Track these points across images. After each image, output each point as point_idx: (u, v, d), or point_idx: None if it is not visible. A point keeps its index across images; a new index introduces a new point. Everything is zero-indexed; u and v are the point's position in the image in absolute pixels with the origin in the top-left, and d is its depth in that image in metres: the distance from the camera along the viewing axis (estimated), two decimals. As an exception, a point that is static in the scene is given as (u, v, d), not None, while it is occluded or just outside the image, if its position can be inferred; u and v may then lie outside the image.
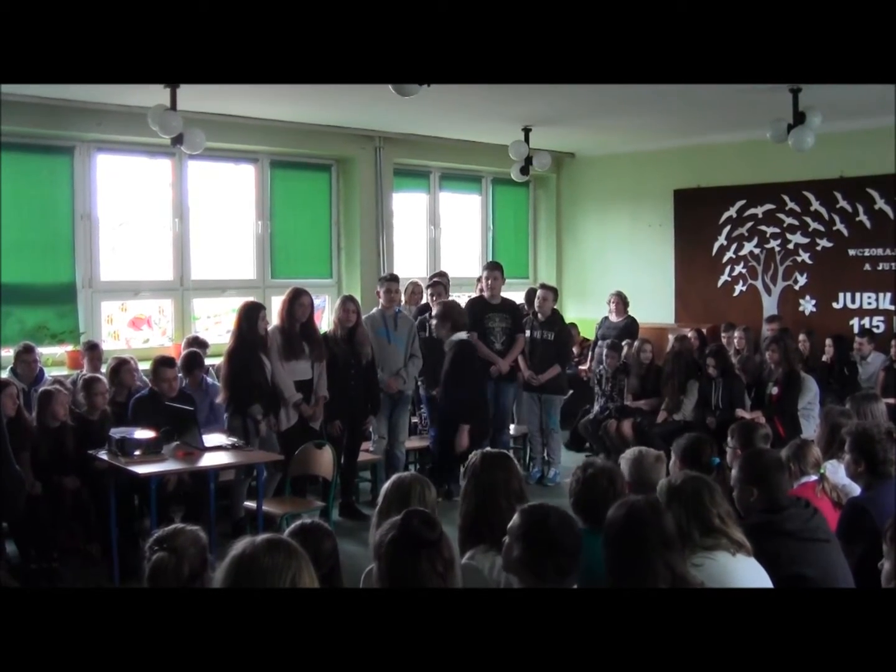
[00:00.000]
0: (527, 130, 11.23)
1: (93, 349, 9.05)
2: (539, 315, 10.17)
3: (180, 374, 8.38)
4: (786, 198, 12.04)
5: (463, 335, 8.65)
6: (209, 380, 8.84)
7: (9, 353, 8.98)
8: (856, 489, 5.18)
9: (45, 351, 9.39)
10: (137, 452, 6.94)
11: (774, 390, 9.46)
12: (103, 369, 8.59)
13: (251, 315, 8.17)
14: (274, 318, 8.92)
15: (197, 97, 8.80)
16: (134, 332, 10.69)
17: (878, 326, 11.28)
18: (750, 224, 12.42)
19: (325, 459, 7.63)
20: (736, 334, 11.14)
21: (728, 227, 12.62)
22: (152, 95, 8.44)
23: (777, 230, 12.18)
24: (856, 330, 11.29)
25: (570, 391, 10.76)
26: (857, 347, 10.63)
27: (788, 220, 12.06)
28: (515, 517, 3.46)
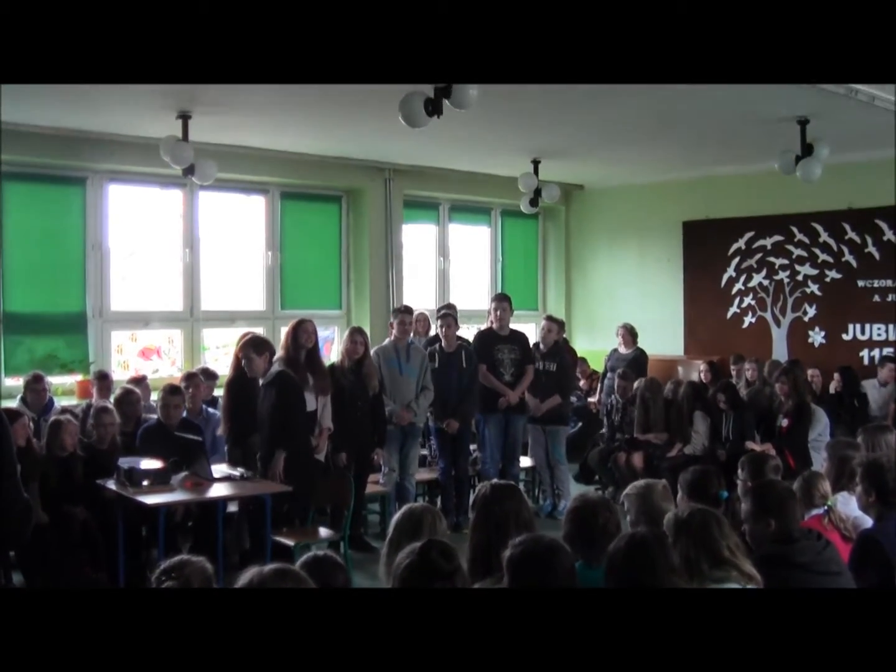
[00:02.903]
0: (536, 163, 11.25)
1: (102, 379, 9.07)
2: (542, 346, 10.16)
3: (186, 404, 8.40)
4: (794, 229, 12.05)
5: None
6: (211, 410, 8.83)
7: (18, 381, 9.00)
8: (867, 521, 5.14)
9: (55, 380, 9.41)
10: (146, 482, 6.94)
11: (784, 422, 9.43)
12: (112, 399, 8.58)
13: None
14: (279, 349, 8.89)
15: (208, 128, 8.86)
16: (144, 362, 10.71)
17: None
18: (759, 255, 12.42)
19: (341, 490, 7.63)
20: (747, 366, 11.12)
21: (737, 259, 12.63)
22: (164, 126, 8.50)
23: (786, 262, 12.18)
24: (865, 361, 11.26)
25: (579, 423, 10.73)
26: (881, 376, 10.58)
27: (797, 252, 12.07)
28: (508, 549, 3.46)
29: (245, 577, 2.90)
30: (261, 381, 7.63)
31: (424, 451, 9.82)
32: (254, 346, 7.64)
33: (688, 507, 4.21)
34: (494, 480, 4.64)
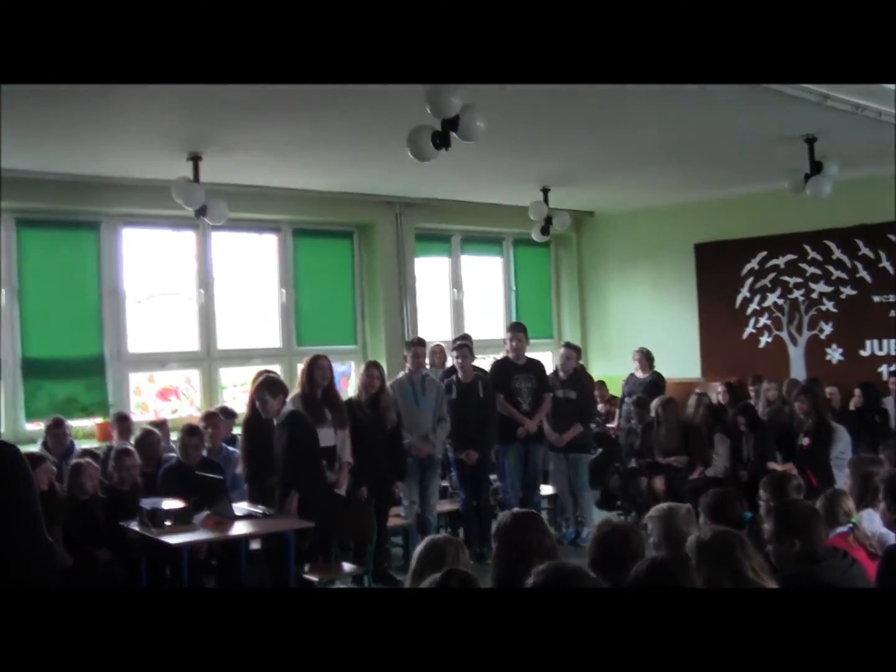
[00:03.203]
0: (545, 191, 11.27)
1: (122, 421, 9.11)
2: (561, 373, 10.16)
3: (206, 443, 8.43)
4: (807, 247, 12.05)
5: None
6: (231, 448, 8.85)
7: (39, 426, 9.05)
8: (892, 538, 5.11)
9: (75, 423, 9.45)
10: (168, 523, 6.95)
11: (805, 441, 9.38)
12: (132, 440, 8.61)
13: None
14: (295, 386, 8.92)
15: (218, 169, 8.92)
16: (162, 402, 10.75)
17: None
18: (772, 275, 12.42)
19: (363, 524, 7.63)
20: (767, 386, 11.09)
21: (751, 279, 12.63)
22: (175, 168, 8.56)
23: (800, 280, 12.17)
24: (884, 377, 11.23)
25: (599, 449, 10.71)
26: None
27: (811, 270, 12.06)
28: (531, 578, 3.44)
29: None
30: (275, 422, 7.64)
31: (445, 483, 9.80)
32: (268, 388, 7.63)
33: (710, 530, 4.20)
34: (515, 509, 4.65)
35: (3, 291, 9.45)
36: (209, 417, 8.81)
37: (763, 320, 12.55)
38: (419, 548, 4.27)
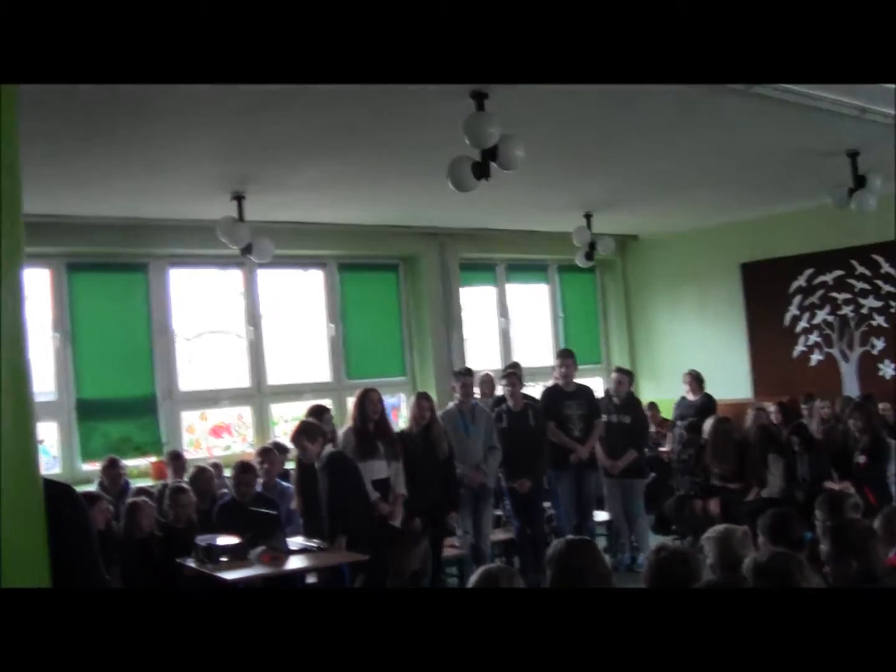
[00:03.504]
0: (588, 216, 11.25)
1: (176, 459, 9.21)
2: (615, 398, 10.13)
3: (259, 479, 8.47)
4: (855, 262, 11.93)
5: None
6: (285, 484, 8.89)
7: (95, 466, 9.16)
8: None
9: (130, 463, 9.55)
10: (223, 558, 7.00)
11: (861, 459, 9.26)
12: (186, 478, 8.69)
13: (316, 418, 8.26)
14: (348, 419, 8.98)
15: (263, 207, 9.02)
16: (215, 439, 10.84)
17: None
18: (821, 292, 12.31)
19: (418, 555, 7.63)
20: (817, 404, 10.98)
21: (799, 297, 12.52)
22: (220, 208, 8.67)
23: (849, 296, 12.05)
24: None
25: (653, 474, 10.64)
26: None
27: (860, 285, 11.94)
28: None
29: None
30: (316, 465, 7.67)
31: (498, 512, 9.77)
32: (305, 435, 7.67)
33: (767, 551, 4.16)
34: (569, 536, 4.62)
35: (57, 335, 9.60)
36: (264, 453, 8.86)
37: (813, 338, 12.43)
38: (473, 577, 4.26)
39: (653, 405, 12.53)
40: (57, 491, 3.54)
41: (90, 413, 9.72)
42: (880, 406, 10.49)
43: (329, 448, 7.70)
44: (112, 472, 8.77)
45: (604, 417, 10.00)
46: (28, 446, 3.20)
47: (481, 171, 6.62)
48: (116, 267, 10.06)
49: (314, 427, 7.84)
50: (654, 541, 10.02)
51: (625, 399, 10.12)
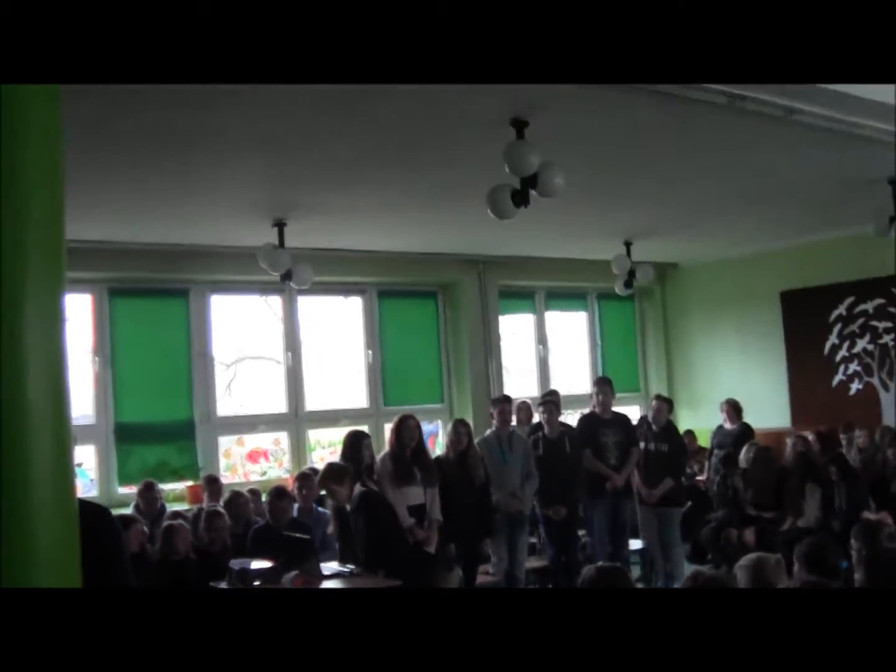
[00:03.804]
0: (628, 244, 11.26)
1: (213, 483, 9.28)
2: (654, 426, 10.10)
3: (295, 504, 8.51)
4: (896, 291, 11.86)
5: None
6: (321, 509, 8.92)
7: (131, 490, 9.24)
8: None
9: (166, 487, 9.63)
10: (257, 582, 7.03)
11: (900, 489, 9.21)
12: (222, 502, 8.73)
13: (355, 444, 8.30)
14: (385, 445, 9.02)
15: (303, 234, 9.09)
16: (252, 465, 10.90)
17: None
18: (861, 320, 12.21)
19: (452, 581, 7.63)
20: (857, 433, 10.89)
21: (839, 326, 12.42)
22: (261, 235, 8.75)
23: (889, 324, 11.93)
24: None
25: (689, 502, 10.59)
26: None
27: (901, 314, 11.86)
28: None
29: None
30: (348, 507, 7.69)
31: (533, 539, 9.76)
32: (332, 479, 7.72)
33: (800, 581, 4.14)
34: (600, 563, 4.61)
35: (97, 359, 9.71)
36: (302, 478, 8.90)
37: (853, 367, 12.32)
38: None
39: (689, 433, 12.46)
40: (92, 512, 3.59)
41: (128, 437, 9.80)
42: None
43: (358, 488, 7.72)
44: (148, 495, 8.84)
45: (641, 445, 9.98)
46: (65, 468, 3.24)
47: (521, 198, 6.64)
48: (157, 292, 10.17)
49: (339, 469, 7.86)
50: (689, 570, 9.96)
51: (664, 427, 10.09)
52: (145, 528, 7.95)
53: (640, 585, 9.78)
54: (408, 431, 8.40)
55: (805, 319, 12.71)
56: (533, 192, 6.60)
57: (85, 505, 3.55)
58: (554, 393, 10.94)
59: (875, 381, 12.14)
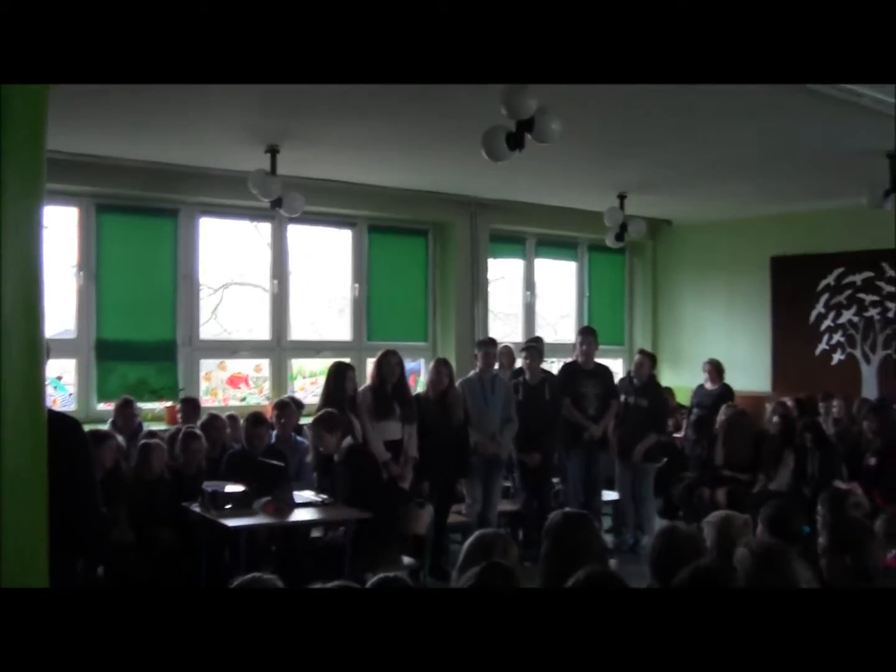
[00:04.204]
0: (622, 197, 11.20)
1: (190, 405, 9.27)
2: (635, 380, 10.14)
3: (273, 431, 8.53)
4: (885, 265, 11.84)
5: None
6: (299, 438, 8.94)
7: (110, 407, 9.24)
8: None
9: (145, 406, 9.62)
10: (228, 506, 7.07)
11: (872, 461, 9.24)
12: (199, 424, 8.73)
13: (339, 375, 8.36)
14: (367, 379, 9.05)
15: (296, 162, 9.03)
16: (232, 390, 10.91)
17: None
18: (849, 292, 12.23)
19: (423, 519, 7.67)
20: (835, 403, 10.94)
21: (826, 295, 12.44)
22: (253, 160, 8.68)
23: (876, 298, 11.97)
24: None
25: (665, 459, 10.65)
26: None
27: (888, 288, 11.85)
28: (571, 580, 3.44)
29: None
30: (335, 458, 7.70)
31: (507, 483, 9.82)
32: (324, 425, 7.72)
33: (763, 542, 4.17)
34: (567, 509, 4.65)
35: (81, 274, 9.65)
36: (281, 406, 8.90)
37: (837, 337, 12.35)
38: (469, 541, 4.31)
39: (668, 390, 12.52)
40: (62, 422, 3.60)
41: (109, 354, 9.77)
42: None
43: (349, 441, 7.74)
44: (126, 412, 8.83)
45: (622, 398, 10.03)
46: (36, 378, 3.24)
47: (516, 141, 6.60)
48: (146, 211, 10.06)
49: (334, 418, 7.86)
50: (660, 524, 10.05)
51: (645, 382, 10.13)
52: (122, 444, 7.97)
53: (608, 536, 9.86)
54: (389, 367, 8.47)
55: (793, 286, 12.72)
56: (529, 137, 6.55)
57: (55, 415, 3.56)
58: (538, 339, 10.97)
59: (857, 353, 12.18)
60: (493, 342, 9.72)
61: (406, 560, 7.71)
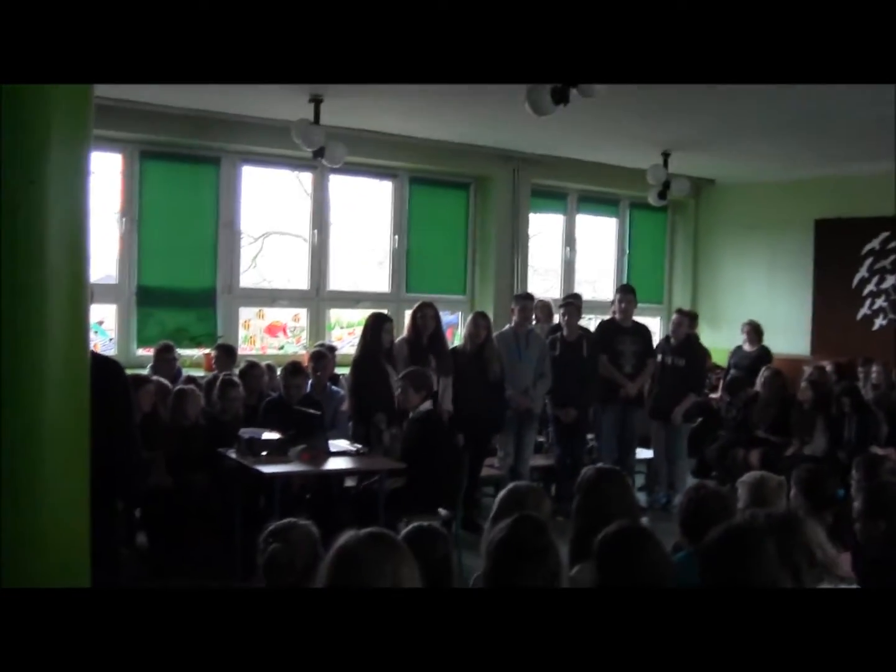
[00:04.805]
0: (666, 155, 11.14)
1: (227, 352, 9.32)
2: (672, 340, 10.11)
3: (309, 381, 8.58)
4: (931, 231, 11.70)
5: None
6: (334, 388, 8.99)
7: (149, 353, 9.33)
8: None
9: (184, 353, 9.70)
10: (264, 453, 7.14)
11: (910, 427, 9.20)
12: (236, 371, 8.78)
13: (376, 326, 8.38)
14: (404, 330, 9.08)
15: (339, 112, 9.00)
16: (270, 338, 10.98)
17: None
18: (893, 257, 12.07)
19: (458, 471, 7.73)
20: (874, 369, 10.86)
21: (870, 260, 12.29)
22: (296, 109, 8.69)
23: (921, 264, 11.85)
24: None
25: (700, 419, 10.64)
26: None
27: (933, 254, 11.73)
28: (601, 534, 3.46)
29: (341, 539, 2.98)
30: (410, 414, 7.74)
31: (542, 438, 9.84)
32: (413, 382, 7.75)
33: (795, 505, 4.16)
34: (600, 464, 4.67)
35: (124, 220, 9.71)
36: (319, 357, 8.93)
37: (879, 302, 12.22)
38: (502, 493, 4.34)
39: (705, 350, 12.47)
40: (105, 365, 3.65)
41: (149, 300, 9.84)
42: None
43: (428, 405, 7.78)
44: (165, 356, 8.91)
45: (659, 357, 10.00)
46: (80, 322, 3.29)
47: (560, 95, 6.58)
48: (189, 158, 10.08)
49: (423, 376, 7.92)
50: (692, 482, 10.05)
51: (682, 341, 10.09)
52: (165, 385, 8.03)
53: (641, 494, 9.87)
54: (425, 319, 8.51)
55: (837, 250, 12.57)
56: (574, 91, 6.52)
57: (98, 358, 3.61)
58: (577, 296, 10.94)
59: (900, 318, 12.06)
60: (529, 297, 9.71)
61: (441, 512, 7.77)
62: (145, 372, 8.66)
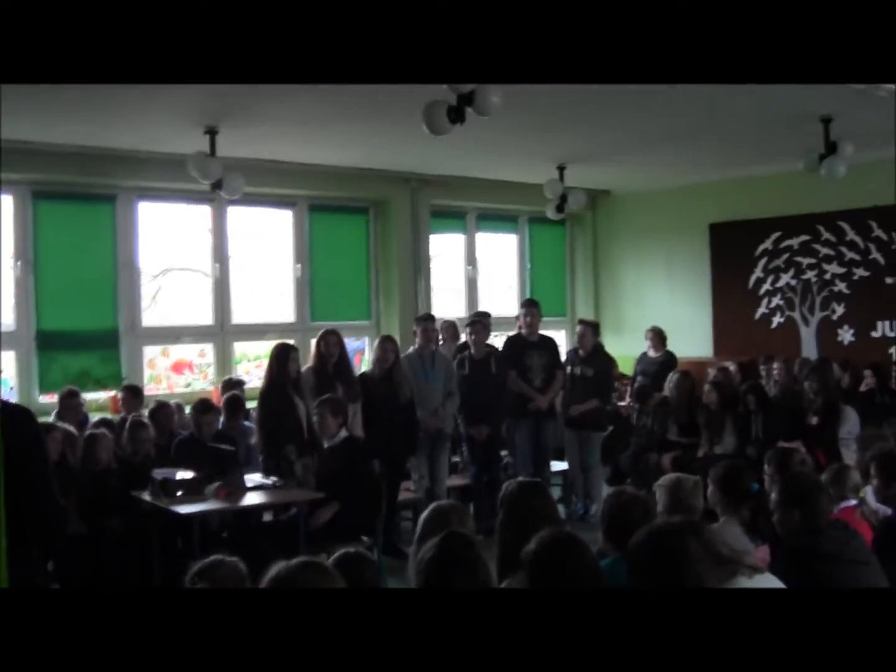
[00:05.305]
0: (561, 169, 11.27)
1: (133, 393, 9.17)
2: (580, 351, 10.20)
3: (220, 417, 8.49)
4: (821, 228, 12.03)
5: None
6: (246, 423, 8.91)
7: (53, 399, 9.13)
8: (888, 512, 5.16)
9: (89, 396, 9.51)
10: (179, 492, 7.03)
11: (814, 420, 9.39)
12: (144, 412, 8.65)
13: (281, 357, 8.32)
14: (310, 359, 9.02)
15: (235, 143, 8.96)
16: (176, 376, 10.84)
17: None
18: (786, 256, 12.41)
19: (374, 497, 7.70)
20: (775, 366, 11.09)
21: (764, 260, 12.62)
22: (192, 142, 8.61)
23: (813, 261, 12.16)
24: (895, 358, 11.21)
25: (611, 427, 10.75)
26: None
27: (824, 251, 12.05)
28: (529, 544, 3.47)
29: (272, 571, 2.96)
30: (325, 444, 7.74)
31: (456, 458, 9.86)
32: (331, 408, 7.71)
33: (712, 502, 4.22)
34: (521, 478, 4.69)
35: (19, 263, 9.52)
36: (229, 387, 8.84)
37: (776, 300, 12.54)
38: (425, 513, 4.34)
39: (611, 359, 12.63)
40: (15, 414, 3.56)
41: (50, 344, 9.64)
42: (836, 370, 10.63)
43: (343, 433, 7.75)
44: (71, 403, 8.70)
45: (568, 369, 10.09)
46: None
47: (456, 115, 6.62)
48: (83, 197, 9.93)
49: (340, 403, 7.90)
50: (608, 492, 10.13)
51: (590, 351, 10.19)
52: (72, 433, 7.87)
53: (559, 506, 9.91)
54: (329, 347, 8.49)
55: (732, 252, 12.89)
56: (469, 110, 6.56)
57: (7, 407, 3.52)
58: (484, 314, 10.96)
59: (796, 315, 12.37)
60: (431, 318, 9.71)
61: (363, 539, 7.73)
62: (50, 419, 8.47)
